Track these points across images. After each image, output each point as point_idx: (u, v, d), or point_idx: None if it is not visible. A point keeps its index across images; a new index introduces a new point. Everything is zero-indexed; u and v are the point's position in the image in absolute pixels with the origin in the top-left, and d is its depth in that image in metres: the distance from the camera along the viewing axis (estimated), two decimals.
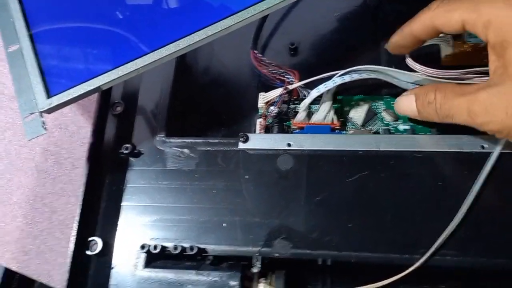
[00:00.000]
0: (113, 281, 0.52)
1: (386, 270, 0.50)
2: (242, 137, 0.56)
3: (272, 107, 0.59)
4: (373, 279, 0.50)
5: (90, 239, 0.54)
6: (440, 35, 0.54)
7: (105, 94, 0.62)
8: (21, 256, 0.62)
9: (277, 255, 0.51)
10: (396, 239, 0.50)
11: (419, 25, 0.49)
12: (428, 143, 0.53)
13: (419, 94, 0.52)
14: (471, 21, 0.43)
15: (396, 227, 0.51)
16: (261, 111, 0.60)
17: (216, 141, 0.57)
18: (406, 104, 0.54)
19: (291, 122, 0.59)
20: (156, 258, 0.53)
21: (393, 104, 0.58)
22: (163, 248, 0.52)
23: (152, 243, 0.53)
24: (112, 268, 0.53)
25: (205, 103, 0.65)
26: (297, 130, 0.59)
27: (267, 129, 0.59)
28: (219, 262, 0.52)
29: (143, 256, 0.53)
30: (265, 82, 0.63)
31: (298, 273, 0.53)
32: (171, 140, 0.58)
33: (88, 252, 0.54)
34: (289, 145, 0.55)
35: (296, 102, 0.60)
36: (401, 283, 0.50)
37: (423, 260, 0.49)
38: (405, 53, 0.55)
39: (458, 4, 0.45)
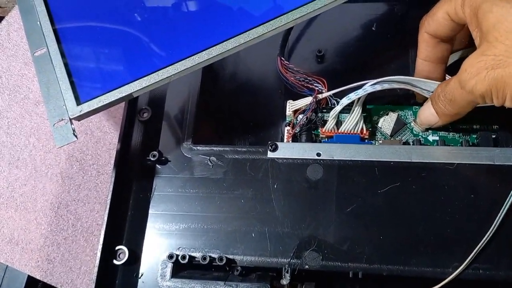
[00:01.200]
0: None
1: (418, 283, 0.50)
2: (271, 145, 0.56)
3: (301, 116, 0.59)
4: None
5: (117, 248, 0.54)
6: None
7: (132, 100, 0.62)
8: (45, 264, 0.62)
9: (306, 267, 0.50)
10: (428, 252, 0.50)
11: (422, 42, 0.55)
12: (459, 155, 0.53)
13: (433, 97, 0.54)
14: (451, 9, 0.49)
15: (428, 240, 0.50)
16: (289, 119, 0.60)
17: (244, 149, 0.57)
18: (426, 112, 0.55)
19: (319, 130, 0.59)
20: (184, 268, 0.53)
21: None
22: (191, 258, 0.52)
23: (180, 252, 0.53)
24: (139, 278, 0.53)
25: (231, 110, 0.65)
26: (325, 139, 0.59)
27: (295, 138, 0.59)
28: (247, 273, 0.52)
29: (170, 265, 0.53)
30: (291, 90, 0.62)
31: (328, 286, 0.52)
32: (198, 147, 0.58)
33: (115, 262, 0.54)
34: (318, 154, 0.55)
35: (325, 110, 0.60)
36: None
37: (456, 274, 0.49)
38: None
39: (439, 4, 0.51)
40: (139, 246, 0.55)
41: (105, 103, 0.50)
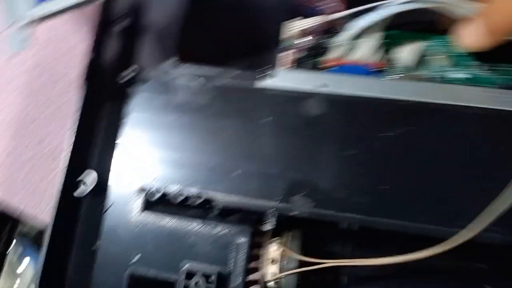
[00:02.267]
0: (106, 224, 0.48)
1: (419, 241, 0.44)
2: (268, 72, 0.48)
3: (307, 38, 0.50)
4: (402, 250, 0.44)
5: (82, 175, 0.49)
6: None
7: (108, 6, 0.53)
8: (7, 183, 0.57)
9: (295, 213, 0.45)
10: (437, 208, 0.44)
11: None
12: (493, 98, 0.45)
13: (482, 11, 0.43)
14: None
15: (439, 195, 0.44)
16: (292, 42, 0.51)
17: (236, 74, 0.49)
18: (473, 30, 0.44)
19: (327, 58, 0.51)
20: (157, 203, 0.47)
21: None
22: (165, 192, 0.47)
23: (154, 185, 0.47)
24: (105, 210, 0.48)
25: (227, 26, 0.56)
26: (333, 68, 0.51)
27: (297, 64, 0.51)
28: (228, 214, 0.47)
29: (141, 199, 0.47)
30: (297, 6, 0.53)
31: (318, 236, 0.47)
32: (182, 67, 0.50)
33: (79, 190, 0.48)
34: (322, 86, 0.47)
35: (337, 33, 0.51)
36: (436, 258, 0.44)
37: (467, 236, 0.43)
38: None
39: None
40: (107, 175, 0.49)
41: (66, 5, 0.42)
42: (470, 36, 0.46)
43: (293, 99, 0.47)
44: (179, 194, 0.46)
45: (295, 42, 0.51)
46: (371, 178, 0.45)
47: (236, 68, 0.52)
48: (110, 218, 0.48)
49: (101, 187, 0.49)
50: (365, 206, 0.44)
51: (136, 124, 0.49)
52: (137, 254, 0.47)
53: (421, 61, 0.50)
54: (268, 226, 0.45)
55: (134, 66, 0.49)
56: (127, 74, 0.49)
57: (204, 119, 0.49)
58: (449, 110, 0.45)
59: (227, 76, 0.49)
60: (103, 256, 0.47)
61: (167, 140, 0.48)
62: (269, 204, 0.45)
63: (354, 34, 0.49)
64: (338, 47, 0.50)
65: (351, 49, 0.50)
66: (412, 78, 0.49)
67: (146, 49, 0.52)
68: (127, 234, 0.47)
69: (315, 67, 0.51)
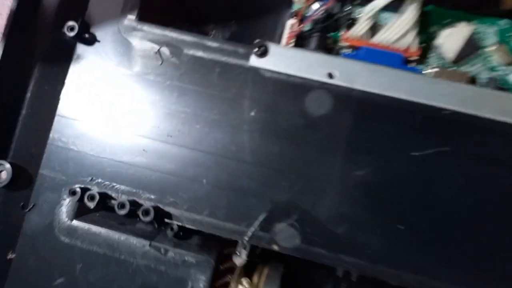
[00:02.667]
0: (25, 229, 0.36)
1: None
2: (259, 47, 0.35)
3: (317, 5, 0.37)
4: None
5: None
6: None
7: None
8: None
9: (275, 247, 0.33)
10: (466, 268, 0.32)
11: None
12: None
13: None
14: None
15: (472, 251, 0.33)
16: (296, 7, 0.38)
17: (216, 45, 0.36)
18: None
19: (340, 35, 0.38)
20: (93, 211, 0.36)
21: None
22: (104, 198, 0.35)
23: (92, 187, 0.35)
24: (26, 210, 0.36)
25: None
26: (347, 51, 0.38)
27: (300, 40, 0.38)
28: (186, 235, 0.36)
29: (72, 203, 0.36)
30: None
31: (303, 276, 0.36)
32: (144, 27, 0.38)
33: None
34: (331, 75, 0.34)
35: (358, 2, 0.37)
36: None
37: None
38: None
39: None
40: (32, 165, 0.37)
41: None
42: None
43: (288, 88, 0.35)
44: (124, 202, 0.34)
45: (302, 9, 0.38)
46: (384, 212, 0.34)
47: (216, 36, 0.39)
48: (31, 223, 0.37)
49: (21, 181, 0.37)
50: (371, 250, 0.33)
51: (76, 96, 0.37)
52: (59, 277, 0.36)
53: (468, 52, 0.38)
54: (237, 260, 0.34)
55: (79, 21, 0.36)
56: (70, 28, 0.36)
57: (167, 103, 0.36)
58: (499, 131, 0.33)
59: (203, 46, 0.36)
60: (17, 270, 0.36)
61: (115, 122, 0.36)
62: (241, 229, 0.34)
63: (381, 6, 0.35)
64: (359, 23, 0.37)
65: (375, 26, 0.37)
66: (455, 76, 0.36)
67: (97, 1, 0.39)
68: (51, 247, 0.36)
69: (324, 47, 0.38)
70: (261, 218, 0.35)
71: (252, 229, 0.35)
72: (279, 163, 0.36)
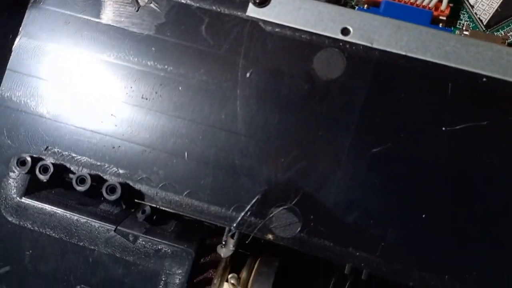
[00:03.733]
0: None
1: None
2: None
3: None
4: None
5: None
6: None
7: None
8: None
9: (270, 237, 0.28)
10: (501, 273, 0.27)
11: None
12: None
13: None
14: None
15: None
16: None
17: None
18: None
19: None
20: (47, 186, 0.30)
21: None
22: (61, 170, 0.29)
23: (46, 158, 0.29)
24: None
25: None
26: (365, 6, 0.32)
27: None
28: (161, 219, 0.30)
29: (22, 177, 0.29)
30: None
31: (303, 273, 0.30)
32: None
33: None
34: (345, 31, 0.29)
35: None
36: None
37: None
38: None
39: None
40: None
41: None
42: None
43: (293, 45, 0.29)
44: (84, 176, 0.28)
45: None
46: (404, 198, 0.28)
47: None
48: None
49: None
50: (387, 245, 0.27)
51: (31, 47, 0.31)
52: (5, 265, 0.29)
53: (506, 15, 0.32)
54: (223, 250, 0.28)
55: None
56: None
57: (144, 59, 0.30)
58: None
59: None
60: None
61: (77, 79, 0.30)
62: (230, 214, 0.28)
63: None
64: None
65: None
66: (488, 39, 0.31)
67: None
68: None
69: (336, 2, 0.32)
70: (254, 200, 0.29)
71: (242, 214, 0.29)
72: (279, 136, 0.30)
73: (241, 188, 0.30)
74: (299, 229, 0.30)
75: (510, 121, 0.28)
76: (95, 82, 0.31)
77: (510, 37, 0.33)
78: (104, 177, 0.31)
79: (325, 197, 0.29)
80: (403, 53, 0.30)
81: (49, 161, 0.30)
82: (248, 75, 0.31)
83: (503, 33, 0.33)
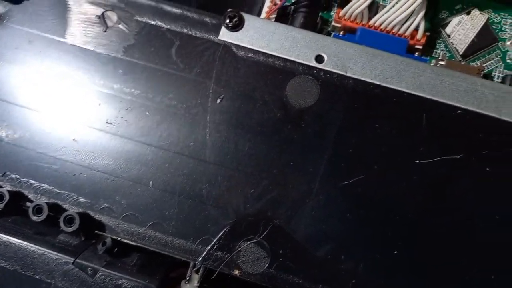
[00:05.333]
0: None
1: None
2: (231, 17, 0.29)
3: None
4: None
5: None
6: None
7: None
8: None
9: (236, 272, 0.27)
10: None
11: None
12: None
13: None
14: None
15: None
16: None
17: (177, 12, 0.30)
18: None
19: (333, 13, 0.32)
20: (5, 213, 0.28)
21: None
22: (18, 198, 0.28)
23: (3, 184, 0.28)
24: None
25: None
26: (340, 33, 0.32)
27: (282, 16, 0.32)
28: (123, 252, 0.28)
29: None
30: None
31: None
32: None
33: None
34: (319, 58, 0.28)
35: None
36: None
37: None
38: None
39: None
40: None
41: None
42: None
43: (266, 71, 0.29)
44: (41, 206, 0.27)
45: None
46: (376, 232, 0.27)
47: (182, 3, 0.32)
48: None
49: None
50: (358, 278, 0.27)
51: None
52: None
53: (482, 45, 0.32)
54: (186, 286, 0.27)
55: None
56: None
57: (110, 81, 0.29)
58: None
59: (160, 12, 0.29)
60: None
61: (40, 101, 0.29)
62: (195, 248, 0.27)
63: None
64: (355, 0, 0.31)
65: (373, 6, 0.32)
66: (466, 72, 0.31)
67: None
68: None
69: (312, 28, 0.32)
70: (221, 233, 0.28)
71: (208, 247, 0.28)
72: (249, 165, 0.29)
73: (208, 220, 0.29)
74: (267, 264, 0.28)
75: (484, 154, 0.29)
76: (58, 105, 0.30)
77: (486, 67, 0.33)
78: (64, 206, 0.30)
79: (296, 229, 0.29)
80: (378, 82, 0.29)
81: (5, 188, 0.29)
82: (218, 100, 0.30)
83: (479, 63, 0.33)
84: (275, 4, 0.32)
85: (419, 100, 0.29)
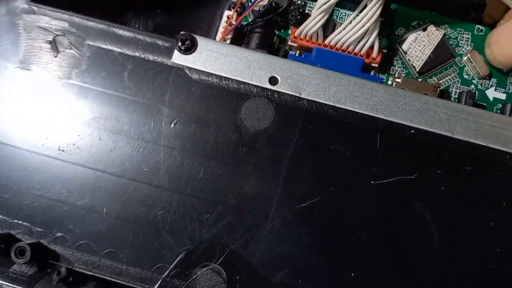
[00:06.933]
0: None
1: None
2: (184, 40, 0.29)
3: None
4: None
5: None
6: None
7: None
8: None
9: None
10: None
11: None
12: None
13: None
14: None
15: None
16: None
17: (130, 35, 0.30)
18: (507, 35, 0.31)
19: (289, 32, 0.32)
20: None
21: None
22: None
23: None
24: None
25: None
26: (296, 53, 0.32)
27: (239, 36, 0.32)
28: (78, 282, 0.28)
29: None
30: None
31: None
32: (37, 9, 0.30)
33: None
34: (273, 80, 0.28)
35: None
36: None
37: None
38: None
39: None
40: None
41: None
42: (504, 46, 0.30)
43: (220, 94, 0.29)
44: None
45: None
46: (333, 255, 0.28)
47: (133, 25, 0.32)
48: None
49: None
50: None
51: None
52: None
53: (439, 61, 0.33)
54: None
55: None
56: None
57: (58, 100, 0.29)
58: (475, 156, 0.28)
59: (111, 36, 0.29)
60: None
61: None
62: (151, 276, 0.27)
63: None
64: (311, 19, 0.31)
65: (330, 25, 0.32)
66: (423, 89, 0.31)
67: None
68: None
69: (268, 47, 0.32)
70: (176, 261, 0.28)
71: (164, 275, 0.28)
72: (204, 189, 0.29)
73: (163, 247, 0.29)
74: None
75: (438, 173, 0.29)
76: (7, 130, 0.30)
77: (443, 83, 0.33)
78: (17, 235, 0.29)
79: (252, 254, 0.29)
80: (332, 103, 0.29)
81: None
82: (172, 124, 0.30)
83: (436, 79, 0.33)
84: (231, 25, 0.32)
85: (373, 120, 0.29)
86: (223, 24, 0.33)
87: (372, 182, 0.29)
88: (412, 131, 0.29)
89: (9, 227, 0.29)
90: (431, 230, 0.29)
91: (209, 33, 0.36)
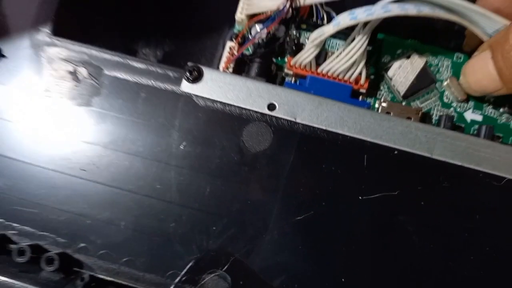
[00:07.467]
0: None
1: None
2: (191, 70, 0.32)
3: (259, 27, 0.34)
4: None
5: None
6: None
7: None
8: None
9: None
10: None
11: None
12: None
13: (496, 45, 0.34)
14: None
15: None
16: (238, 29, 0.35)
17: (143, 66, 0.33)
18: (481, 70, 0.34)
19: (285, 60, 0.35)
20: None
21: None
22: (2, 240, 0.31)
23: None
24: None
25: None
26: (291, 80, 0.35)
27: (241, 65, 0.35)
28: (98, 286, 0.32)
29: None
30: None
31: None
32: (59, 42, 0.34)
33: None
34: (271, 106, 0.32)
35: (304, 27, 0.36)
36: None
37: None
38: None
39: None
40: None
41: None
42: (476, 75, 0.33)
43: (224, 119, 0.32)
44: (24, 249, 0.30)
45: (244, 30, 0.35)
46: (327, 263, 0.31)
47: (147, 57, 0.36)
48: None
49: None
50: None
51: None
52: None
53: (421, 86, 0.36)
54: None
55: None
56: None
57: (80, 125, 0.32)
58: (454, 174, 0.31)
59: (126, 67, 0.33)
60: None
61: (19, 150, 0.32)
62: (164, 281, 0.30)
63: (330, 33, 0.33)
64: (305, 49, 0.34)
65: (323, 54, 0.35)
66: (406, 112, 0.34)
67: (9, 9, 0.35)
68: None
69: (267, 74, 0.36)
70: (187, 267, 0.31)
71: (176, 280, 0.31)
72: (210, 205, 0.33)
73: (175, 256, 0.32)
74: None
75: (418, 190, 0.32)
76: (35, 153, 0.33)
77: (425, 106, 0.37)
78: (44, 246, 0.33)
79: (254, 262, 0.32)
80: (324, 127, 0.33)
81: None
82: (182, 146, 0.34)
83: (418, 103, 0.37)
84: (233, 55, 0.35)
85: (360, 142, 0.33)
86: (225, 54, 0.36)
87: (360, 197, 0.32)
88: (396, 152, 0.33)
89: (38, 238, 0.33)
90: (413, 240, 0.32)
91: (213, 60, 0.40)
